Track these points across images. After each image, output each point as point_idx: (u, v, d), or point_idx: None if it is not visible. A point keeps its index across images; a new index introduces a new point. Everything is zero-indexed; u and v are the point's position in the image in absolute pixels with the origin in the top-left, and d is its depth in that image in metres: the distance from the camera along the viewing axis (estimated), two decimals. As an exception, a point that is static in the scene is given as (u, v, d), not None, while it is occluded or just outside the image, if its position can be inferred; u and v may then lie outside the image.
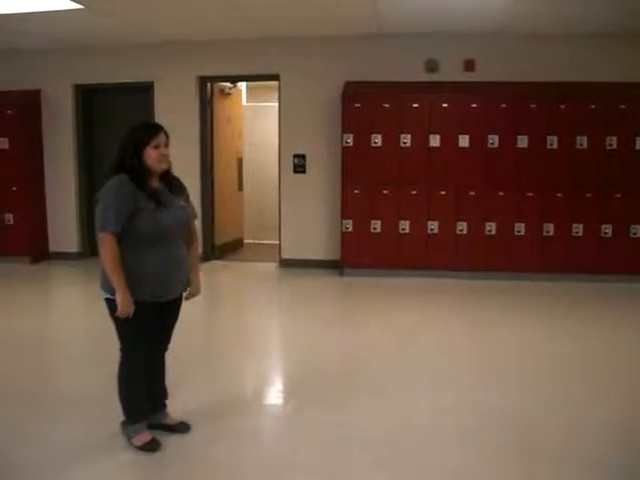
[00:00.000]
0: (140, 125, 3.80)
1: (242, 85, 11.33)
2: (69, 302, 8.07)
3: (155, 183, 3.70)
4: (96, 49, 9.51)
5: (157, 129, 3.70)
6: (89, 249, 10.08)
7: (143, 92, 9.69)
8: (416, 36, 8.67)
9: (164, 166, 3.70)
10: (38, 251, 9.97)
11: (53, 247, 10.21)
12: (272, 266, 9.68)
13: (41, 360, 5.59)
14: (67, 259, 10.03)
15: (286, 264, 9.53)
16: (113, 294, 3.54)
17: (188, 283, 3.92)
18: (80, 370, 5.45)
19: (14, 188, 9.64)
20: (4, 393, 4.75)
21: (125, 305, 3.52)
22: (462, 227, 8.53)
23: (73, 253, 10.13)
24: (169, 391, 4.10)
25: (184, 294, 3.92)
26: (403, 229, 8.66)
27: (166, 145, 3.69)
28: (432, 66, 8.84)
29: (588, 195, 8.36)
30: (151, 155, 3.62)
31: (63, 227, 10.15)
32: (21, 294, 8.11)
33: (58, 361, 5.61)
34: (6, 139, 9.55)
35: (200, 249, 6.35)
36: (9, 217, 9.67)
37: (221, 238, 10.10)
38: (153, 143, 3.62)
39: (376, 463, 3.66)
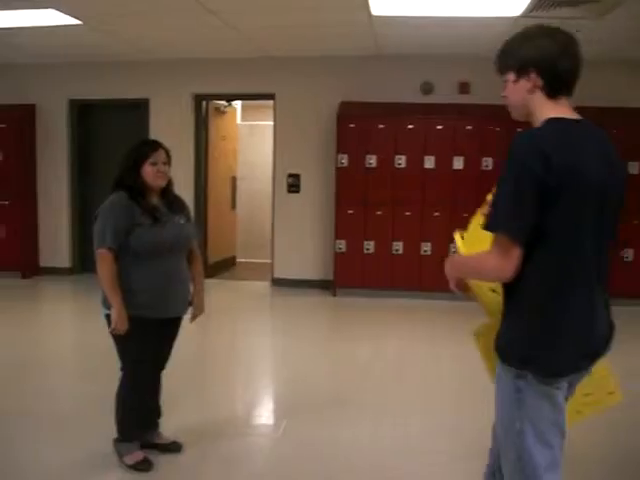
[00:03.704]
0: (140, 142, 3.81)
1: (237, 104, 11.35)
2: (60, 318, 8.02)
3: (154, 200, 3.69)
4: (92, 65, 9.53)
5: (155, 145, 3.70)
6: (80, 265, 10.05)
7: (138, 109, 9.70)
8: (412, 58, 8.72)
9: (161, 183, 3.69)
10: (29, 266, 9.91)
11: (44, 262, 10.14)
12: (264, 285, 9.66)
13: (32, 377, 5.52)
14: (58, 274, 9.97)
15: (278, 283, 9.51)
16: None
17: (190, 303, 3.90)
18: (71, 387, 5.42)
19: (6, 202, 9.61)
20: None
21: (120, 320, 3.50)
22: (455, 249, 8.49)
23: (64, 268, 10.07)
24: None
25: (187, 314, 3.90)
26: (396, 250, 8.66)
27: (165, 163, 3.68)
28: (427, 88, 8.88)
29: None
30: (148, 171, 3.62)
31: (54, 242, 10.10)
32: (11, 309, 8.03)
33: (49, 378, 5.55)
34: (0, 153, 9.53)
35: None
36: (1, 231, 9.61)
37: (214, 256, 10.07)
38: (151, 159, 3.62)
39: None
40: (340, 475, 3.82)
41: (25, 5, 6.45)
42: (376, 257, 8.72)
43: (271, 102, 9.52)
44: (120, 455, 3.79)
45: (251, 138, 11.79)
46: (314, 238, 9.41)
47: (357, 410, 4.83)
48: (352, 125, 8.60)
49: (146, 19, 7.14)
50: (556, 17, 6.34)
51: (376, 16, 6.73)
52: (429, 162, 8.53)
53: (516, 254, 2.06)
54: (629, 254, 8.50)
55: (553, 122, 2.16)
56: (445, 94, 8.85)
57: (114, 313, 3.49)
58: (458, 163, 8.47)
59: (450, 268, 2.45)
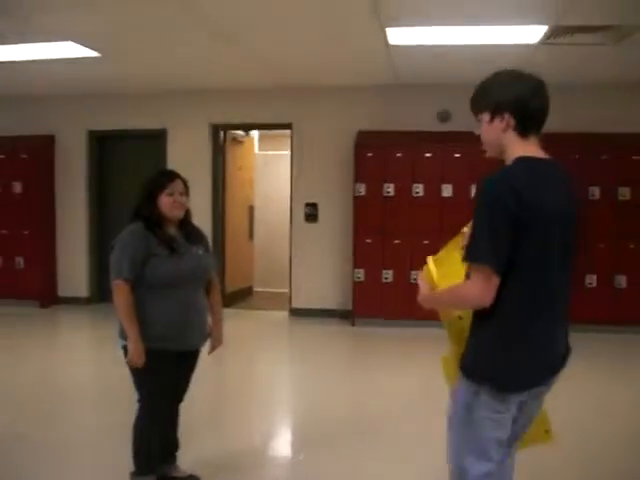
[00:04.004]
0: (157, 172, 3.79)
1: (254, 133, 11.38)
2: (78, 347, 8.02)
3: (172, 230, 3.67)
4: (110, 96, 9.61)
5: (172, 176, 3.68)
6: (98, 294, 10.06)
7: (156, 139, 9.75)
8: (428, 86, 8.71)
9: (178, 213, 3.66)
10: (47, 295, 9.94)
11: (62, 292, 10.17)
12: (282, 315, 9.61)
13: (49, 406, 5.49)
14: (76, 304, 9.98)
15: (296, 313, 9.46)
16: None
17: (208, 335, 3.86)
18: (89, 417, 5.38)
19: (25, 232, 9.67)
20: (11, 439, 4.67)
21: (136, 353, 3.45)
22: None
23: (82, 298, 10.09)
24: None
25: (205, 346, 3.86)
26: (415, 279, 8.54)
27: (182, 193, 3.66)
28: (444, 116, 8.86)
29: (601, 246, 8.32)
30: (165, 202, 3.59)
31: (73, 272, 10.14)
32: (30, 339, 8.04)
33: (67, 408, 5.51)
34: (19, 183, 9.64)
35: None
36: (20, 260, 9.67)
37: (231, 286, 10.04)
38: (167, 190, 3.60)
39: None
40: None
41: (43, 38, 6.52)
42: (395, 286, 8.65)
43: (288, 132, 9.54)
44: (137, 488, 3.74)
45: (268, 167, 11.79)
46: (332, 267, 9.37)
47: (377, 442, 4.75)
48: (370, 154, 8.59)
49: (164, 50, 7.19)
50: (574, 43, 6.32)
51: (393, 45, 6.73)
52: (447, 190, 8.49)
53: (496, 283, 2.27)
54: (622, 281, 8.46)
55: (522, 161, 2.38)
56: (462, 122, 8.71)
57: (130, 345, 3.45)
58: (475, 191, 8.38)
59: (426, 302, 2.62)
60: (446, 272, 2.62)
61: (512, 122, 2.42)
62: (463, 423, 2.50)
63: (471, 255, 2.31)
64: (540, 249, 2.32)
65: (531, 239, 2.28)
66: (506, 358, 2.37)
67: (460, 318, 2.60)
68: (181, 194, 3.65)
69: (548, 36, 6.16)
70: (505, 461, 2.58)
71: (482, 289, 2.26)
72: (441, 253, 2.79)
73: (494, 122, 2.46)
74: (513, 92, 2.42)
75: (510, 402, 2.42)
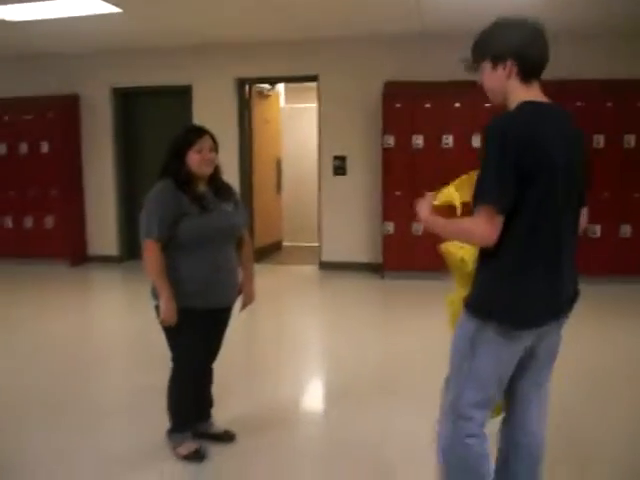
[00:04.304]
0: (185, 129, 3.72)
1: (280, 86, 11.25)
2: (111, 307, 8.06)
3: (202, 188, 3.60)
4: (134, 53, 9.53)
5: (200, 132, 3.60)
6: (128, 252, 10.11)
7: (181, 95, 9.68)
8: (457, 35, 8.42)
9: (207, 170, 3.60)
10: (77, 254, 10.01)
11: (92, 250, 10.24)
12: (312, 269, 9.60)
13: (82, 367, 5.53)
14: (106, 262, 10.05)
15: (326, 267, 9.44)
16: None
17: (240, 291, 3.83)
18: (124, 378, 5.43)
19: (53, 192, 9.69)
20: (46, 400, 4.70)
21: (168, 312, 3.43)
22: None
23: (113, 256, 10.14)
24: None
25: (237, 303, 3.83)
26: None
27: (212, 150, 3.59)
28: (472, 66, 8.65)
29: (636, 195, 8.20)
30: (193, 158, 3.52)
31: (102, 230, 10.19)
32: (61, 298, 8.12)
33: (100, 368, 5.55)
34: (46, 143, 9.64)
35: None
36: (49, 220, 9.71)
37: (260, 241, 10.01)
38: (196, 147, 3.52)
39: (421, 474, 3.53)
40: (392, 463, 3.75)
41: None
42: (425, 239, 8.55)
43: (315, 84, 9.41)
44: (173, 446, 3.74)
45: (295, 121, 11.70)
46: (361, 220, 9.30)
47: (408, 397, 4.71)
48: (398, 105, 8.45)
49: (185, 4, 7.08)
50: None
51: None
52: (476, 141, 8.34)
53: (500, 222, 2.32)
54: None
55: (526, 105, 2.42)
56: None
57: (162, 304, 3.43)
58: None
59: (432, 225, 2.62)
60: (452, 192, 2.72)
61: (515, 68, 2.46)
62: (466, 357, 2.55)
63: (477, 197, 2.36)
64: (546, 191, 2.36)
65: (537, 181, 2.33)
66: (510, 296, 2.42)
67: (462, 261, 2.73)
68: (210, 150, 3.58)
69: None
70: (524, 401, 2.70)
71: (486, 229, 2.32)
72: (457, 182, 2.79)
73: (497, 69, 2.49)
74: (514, 39, 2.46)
75: (513, 339, 2.47)
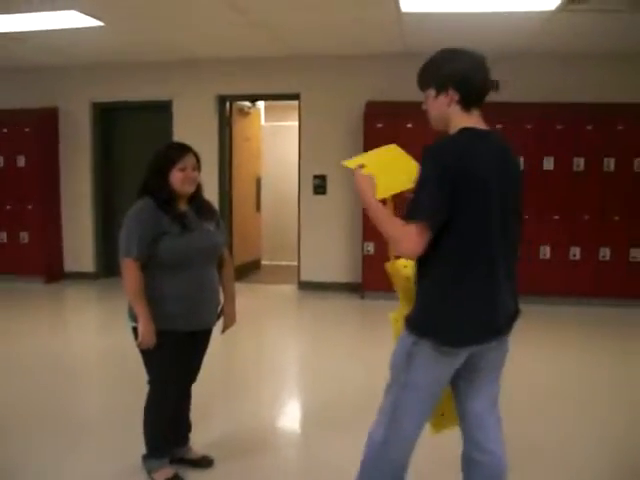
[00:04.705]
0: (167, 145, 3.63)
1: (261, 104, 11.20)
2: (86, 324, 7.91)
3: (182, 206, 3.52)
4: (114, 67, 9.45)
5: (184, 150, 3.52)
6: (105, 269, 9.96)
7: (161, 110, 9.59)
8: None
9: (189, 189, 3.52)
10: (53, 271, 9.84)
11: (68, 267, 10.08)
12: (291, 288, 9.51)
13: (56, 385, 5.39)
14: (82, 279, 9.89)
15: (305, 286, 9.36)
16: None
17: (221, 313, 3.74)
18: (98, 397, 5.31)
19: (29, 206, 9.54)
20: (18, 418, 4.56)
21: (146, 334, 3.33)
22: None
23: (89, 273, 9.99)
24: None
25: (217, 325, 3.74)
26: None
27: (195, 168, 3.52)
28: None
29: (616, 218, 8.21)
30: (176, 177, 3.44)
31: (79, 246, 10.04)
32: (36, 316, 7.96)
33: (74, 387, 5.44)
34: (23, 157, 9.48)
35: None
36: (24, 235, 9.55)
37: (238, 259, 9.89)
38: (179, 165, 3.44)
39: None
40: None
41: (46, 7, 6.34)
42: (405, 259, 8.53)
43: (296, 102, 9.37)
44: (149, 471, 3.63)
45: (275, 139, 11.65)
46: (341, 240, 9.24)
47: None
48: (380, 125, 8.40)
49: (168, 19, 7.02)
50: (593, 10, 6.13)
51: (405, 12, 6.55)
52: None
53: (428, 238, 2.44)
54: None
55: (465, 130, 2.57)
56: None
57: (140, 326, 3.33)
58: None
59: (373, 211, 2.63)
60: (389, 180, 2.76)
61: (456, 97, 2.59)
62: (402, 369, 2.66)
63: (411, 212, 2.46)
64: (479, 214, 2.49)
65: (470, 204, 2.46)
66: (446, 315, 2.53)
67: (407, 279, 2.80)
68: (193, 169, 3.50)
69: (567, 2, 5.95)
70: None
71: (414, 242, 2.44)
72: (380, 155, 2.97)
73: (439, 97, 2.63)
74: (457, 69, 2.60)
75: (449, 355, 2.57)
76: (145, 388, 3.60)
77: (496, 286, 2.57)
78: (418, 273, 2.63)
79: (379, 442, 2.72)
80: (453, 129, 2.62)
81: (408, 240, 2.46)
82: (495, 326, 2.62)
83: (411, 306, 2.67)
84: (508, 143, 2.69)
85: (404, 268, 2.84)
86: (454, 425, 2.90)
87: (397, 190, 2.73)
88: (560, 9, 6.18)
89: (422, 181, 2.48)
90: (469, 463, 2.81)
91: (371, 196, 2.65)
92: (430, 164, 2.48)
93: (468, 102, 2.61)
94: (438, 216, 2.43)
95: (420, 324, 2.58)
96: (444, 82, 2.61)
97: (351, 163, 2.83)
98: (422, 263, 2.57)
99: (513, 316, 2.71)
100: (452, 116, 2.63)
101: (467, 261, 2.51)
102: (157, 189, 3.44)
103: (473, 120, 2.62)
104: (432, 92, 2.66)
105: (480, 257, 2.52)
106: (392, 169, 2.89)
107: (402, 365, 2.66)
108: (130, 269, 3.36)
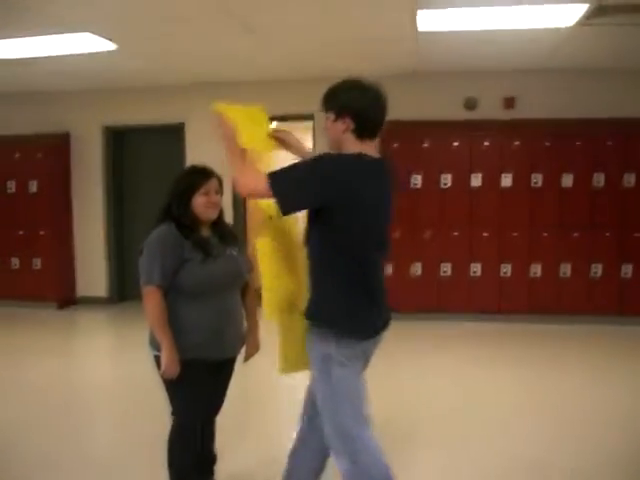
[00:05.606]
0: (190, 169, 3.54)
1: (274, 124, 11.10)
2: (101, 351, 7.78)
3: (205, 232, 3.42)
4: (126, 90, 9.39)
5: (207, 174, 3.43)
6: (118, 294, 9.87)
7: (174, 133, 9.53)
8: (454, 73, 8.44)
9: (213, 214, 3.42)
10: (65, 296, 9.75)
11: (81, 292, 9.98)
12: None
13: (73, 417, 5.25)
14: (95, 304, 9.79)
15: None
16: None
17: (244, 341, 3.62)
18: (116, 430, 5.15)
19: (42, 232, 9.47)
20: (26, 453, 4.42)
21: (170, 364, 3.21)
22: (506, 269, 8.24)
23: (102, 298, 9.89)
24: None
25: (240, 354, 3.62)
26: (445, 272, 8.36)
27: (217, 192, 3.42)
28: (471, 104, 8.58)
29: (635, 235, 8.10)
30: (199, 202, 3.35)
31: (91, 271, 9.93)
32: (49, 342, 7.82)
33: (89, 419, 5.29)
34: (35, 182, 9.42)
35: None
36: (37, 261, 9.47)
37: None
38: (202, 190, 3.35)
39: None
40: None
41: (61, 30, 6.28)
42: (424, 279, 8.42)
43: (311, 123, 9.28)
44: (174, 507, 3.49)
45: (290, 159, 11.53)
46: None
47: (410, 443, 4.55)
48: (396, 144, 8.31)
49: (180, 43, 6.97)
50: (616, 24, 6.02)
51: (422, 32, 6.46)
52: (476, 180, 8.23)
53: (266, 194, 2.77)
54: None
55: (357, 154, 2.82)
56: (489, 110, 8.54)
57: (164, 356, 3.20)
58: (506, 180, 8.17)
59: (231, 150, 3.02)
60: (250, 137, 3.06)
61: (351, 126, 2.84)
62: (325, 380, 2.91)
63: (276, 172, 2.78)
64: (359, 229, 2.81)
65: (352, 219, 2.77)
66: (345, 308, 2.88)
67: (270, 218, 3.13)
68: (216, 193, 3.41)
69: (588, 16, 5.83)
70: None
71: (255, 182, 2.80)
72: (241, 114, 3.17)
73: (337, 123, 2.88)
74: (355, 101, 2.85)
75: (355, 348, 2.92)
76: (163, 418, 3.49)
77: (376, 293, 3.01)
78: (312, 275, 2.98)
79: (350, 469, 2.91)
80: (345, 152, 2.85)
81: (252, 178, 2.80)
82: (377, 326, 3.05)
83: (272, 238, 3.17)
84: (392, 170, 3.08)
85: (269, 207, 3.03)
86: (302, 369, 3.23)
87: (257, 149, 3.06)
88: (580, 23, 6.06)
89: (297, 166, 2.84)
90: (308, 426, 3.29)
91: (234, 142, 2.96)
92: (315, 162, 2.80)
93: (361, 132, 2.85)
94: (295, 199, 2.77)
95: (325, 316, 2.92)
96: (342, 110, 2.84)
97: (221, 108, 3.07)
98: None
99: (386, 323, 3.12)
100: (346, 142, 2.87)
101: (354, 270, 2.86)
102: (179, 214, 3.34)
103: (365, 147, 2.86)
104: (332, 116, 2.89)
105: (363, 268, 2.89)
106: (255, 131, 3.20)
107: (324, 377, 2.96)
108: (152, 296, 3.24)
